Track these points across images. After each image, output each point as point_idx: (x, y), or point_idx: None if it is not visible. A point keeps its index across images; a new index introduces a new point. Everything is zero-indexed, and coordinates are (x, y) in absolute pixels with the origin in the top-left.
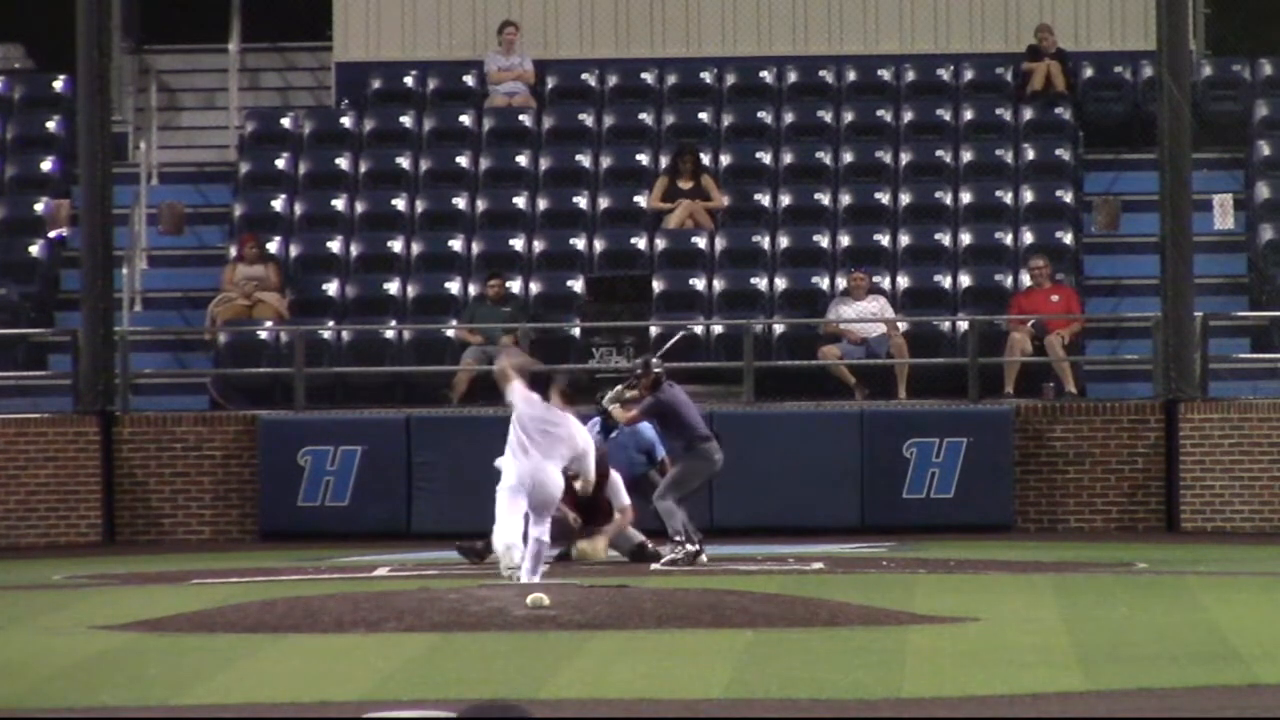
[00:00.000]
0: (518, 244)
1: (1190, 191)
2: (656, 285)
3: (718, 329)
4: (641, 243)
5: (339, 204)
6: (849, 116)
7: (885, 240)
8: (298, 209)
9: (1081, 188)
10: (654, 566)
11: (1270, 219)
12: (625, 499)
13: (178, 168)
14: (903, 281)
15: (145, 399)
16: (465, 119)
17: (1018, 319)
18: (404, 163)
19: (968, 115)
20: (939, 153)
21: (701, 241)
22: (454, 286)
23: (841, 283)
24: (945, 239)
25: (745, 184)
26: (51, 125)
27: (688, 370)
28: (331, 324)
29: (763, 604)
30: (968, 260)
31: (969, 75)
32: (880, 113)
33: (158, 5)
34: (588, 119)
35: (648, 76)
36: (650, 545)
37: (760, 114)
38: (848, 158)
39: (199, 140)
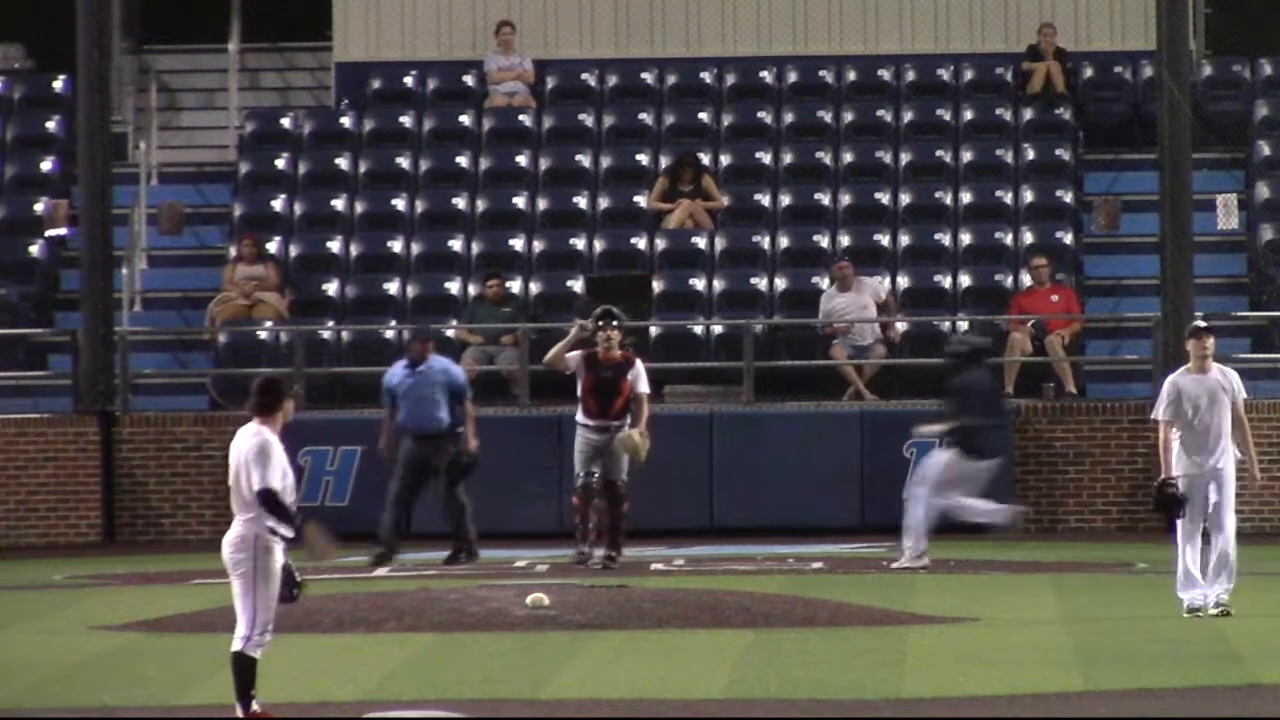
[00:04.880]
0: (518, 244)
1: (1190, 191)
2: (656, 285)
3: (718, 329)
4: (641, 243)
5: (339, 204)
6: (849, 116)
7: (885, 240)
8: (298, 209)
9: (1081, 188)
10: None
11: (1270, 219)
12: (645, 385)
13: (178, 168)
14: (903, 281)
15: (145, 399)
16: (465, 119)
17: (1018, 319)
18: (404, 163)
19: (968, 115)
20: (939, 153)
21: (701, 241)
22: (454, 286)
23: None
24: (945, 239)
25: (745, 184)
26: (51, 125)
27: (688, 370)
28: (331, 324)
29: (763, 604)
30: (968, 260)
31: (969, 75)
32: (880, 113)
33: (158, 5)
34: (588, 119)
35: (648, 76)
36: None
37: (760, 114)
38: (848, 158)
39: (199, 140)
